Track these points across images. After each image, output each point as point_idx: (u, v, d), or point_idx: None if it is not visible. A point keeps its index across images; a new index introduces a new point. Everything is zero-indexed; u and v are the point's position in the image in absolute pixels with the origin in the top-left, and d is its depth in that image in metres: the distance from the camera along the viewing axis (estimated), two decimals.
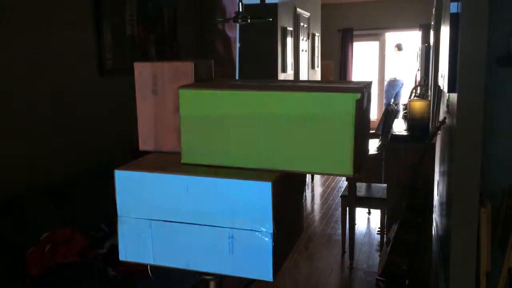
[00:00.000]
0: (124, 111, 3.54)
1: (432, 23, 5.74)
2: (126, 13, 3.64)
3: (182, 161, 1.34)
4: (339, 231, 3.96)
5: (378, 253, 3.48)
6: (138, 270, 2.24)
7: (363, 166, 1.30)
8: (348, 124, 1.16)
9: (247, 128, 1.25)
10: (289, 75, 5.84)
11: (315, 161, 1.21)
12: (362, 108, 1.22)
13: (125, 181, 1.32)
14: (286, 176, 1.27)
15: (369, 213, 4.41)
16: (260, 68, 5.21)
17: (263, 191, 1.19)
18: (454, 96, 2.39)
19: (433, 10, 5.67)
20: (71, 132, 3.05)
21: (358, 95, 1.15)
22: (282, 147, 1.23)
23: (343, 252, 3.54)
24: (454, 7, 2.36)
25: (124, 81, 3.55)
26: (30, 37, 2.73)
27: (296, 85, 1.38)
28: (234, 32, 5.12)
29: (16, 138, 2.66)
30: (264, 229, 1.19)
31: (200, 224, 1.26)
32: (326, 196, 5.15)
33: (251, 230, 1.21)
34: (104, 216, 2.80)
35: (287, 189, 1.32)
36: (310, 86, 1.29)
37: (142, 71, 1.47)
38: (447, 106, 2.77)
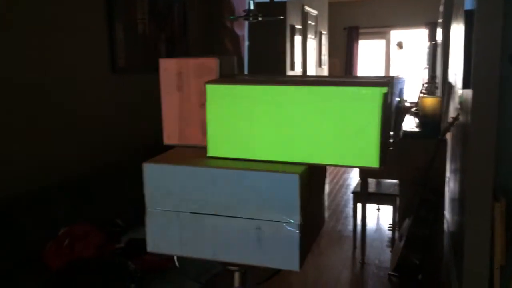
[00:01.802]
0: (137, 109, 3.58)
1: (440, 20, 5.75)
2: (137, 11, 3.67)
3: (208, 154, 1.36)
4: (349, 227, 3.98)
5: (389, 249, 3.51)
6: (157, 264, 2.27)
7: (387, 159, 1.33)
8: (374, 118, 1.19)
9: (273, 122, 1.28)
10: (297, 72, 5.87)
11: (341, 154, 1.24)
12: (387, 102, 1.24)
13: (153, 174, 1.35)
14: (311, 169, 1.29)
15: (378, 209, 4.43)
16: (269, 65, 5.24)
17: (290, 183, 1.21)
18: (468, 92, 2.40)
19: (440, 8, 5.67)
20: (85, 130, 3.08)
21: (385, 89, 1.17)
22: (308, 140, 1.25)
23: (354, 248, 3.56)
24: (468, 4, 2.38)
25: (136, 79, 3.59)
26: (44, 36, 2.76)
27: (319, 79, 1.40)
28: (243, 30, 5.15)
29: (32, 135, 2.70)
30: (292, 221, 1.22)
31: (227, 216, 1.29)
32: (334, 194, 5.17)
33: (279, 221, 1.23)
34: (119, 211, 2.84)
35: (312, 181, 1.34)
36: (335, 81, 1.32)
37: (167, 67, 1.49)
38: (460, 102, 2.79)
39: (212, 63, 1.44)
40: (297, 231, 1.22)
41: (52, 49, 2.82)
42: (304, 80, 1.43)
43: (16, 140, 2.60)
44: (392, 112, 1.40)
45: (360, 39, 9.75)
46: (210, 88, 1.34)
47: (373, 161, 1.21)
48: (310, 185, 1.32)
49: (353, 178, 5.78)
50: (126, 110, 3.46)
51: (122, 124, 3.43)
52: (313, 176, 1.34)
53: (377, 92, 1.18)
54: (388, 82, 1.23)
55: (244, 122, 1.31)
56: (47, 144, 2.79)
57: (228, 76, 1.51)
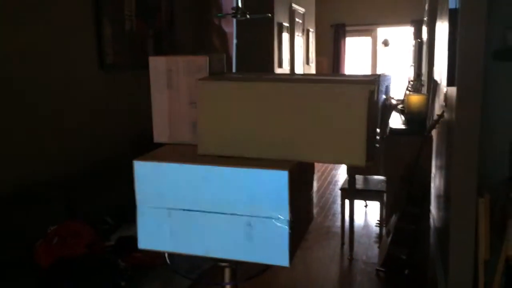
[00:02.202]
0: (126, 106, 3.57)
1: (425, 18, 5.82)
2: (125, 8, 3.66)
3: (198, 152, 1.38)
4: (337, 223, 4.02)
5: (377, 245, 3.55)
6: (146, 261, 2.28)
7: (373, 156, 1.35)
8: (361, 116, 1.21)
9: (264, 120, 1.30)
10: (285, 70, 5.89)
11: (329, 151, 1.26)
12: (374, 100, 1.27)
13: (144, 171, 1.35)
14: (300, 166, 1.32)
15: (366, 206, 4.48)
16: (257, 63, 5.25)
17: (280, 179, 1.23)
18: (452, 89, 2.45)
19: (426, 6, 5.74)
20: (74, 127, 3.07)
21: (372, 87, 1.20)
22: (297, 138, 1.28)
23: (342, 243, 3.60)
24: (452, 3, 2.42)
25: (124, 76, 3.58)
26: (31, 32, 2.74)
27: (309, 78, 1.43)
28: (231, 28, 5.15)
29: (20, 133, 2.68)
30: (281, 217, 1.24)
31: (218, 213, 1.30)
32: (323, 190, 5.22)
33: (268, 217, 1.25)
34: (109, 209, 2.83)
35: (301, 178, 1.37)
36: (324, 79, 1.34)
37: (157, 65, 1.50)
38: (445, 100, 2.84)
39: (202, 61, 1.45)
40: (287, 227, 1.24)
41: (39, 46, 2.80)
42: (293, 78, 1.46)
43: (3, 138, 2.58)
44: (378, 110, 1.43)
45: (347, 37, 9.80)
46: (202, 86, 1.35)
47: (359, 159, 1.23)
48: (299, 181, 1.34)
49: (341, 174, 5.83)
50: (114, 107, 3.45)
51: (111, 121, 3.42)
52: (301, 173, 1.36)
53: (364, 91, 1.20)
54: (375, 81, 1.26)
55: (234, 119, 1.33)
56: (35, 142, 2.77)
57: (218, 74, 1.53)
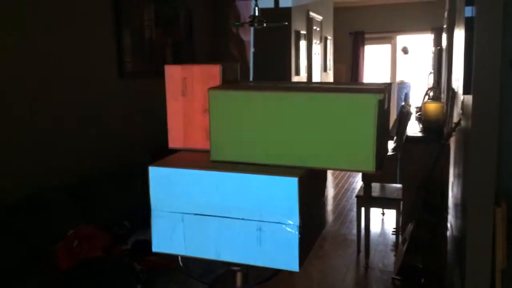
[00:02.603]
0: (144, 113, 3.64)
1: (445, 26, 5.77)
2: (144, 17, 3.74)
3: (211, 159, 1.41)
4: (353, 231, 4.01)
5: (393, 253, 3.53)
6: (161, 264, 2.32)
7: (383, 164, 1.37)
8: (370, 123, 1.23)
9: (274, 127, 1.32)
10: (302, 78, 5.91)
11: (339, 158, 1.28)
12: (383, 108, 1.28)
13: (159, 176, 1.39)
14: (311, 173, 1.34)
15: (383, 214, 4.46)
16: (274, 71, 5.29)
17: (290, 186, 1.26)
18: (469, 98, 2.44)
19: (445, 14, 5.70)
20: (93, 133, 3.14)
21: (381, 96, 1.22)
22: (307, 145, 1.30)
23: (358, 251, 3.59)
24: (469, 11, 2.41)
25: (142, 83, 3.66)
26: (54, 42, 2.83)
27: (319, 86, 1.45)
28: (248, 36, 5.21)
29: (41, 138, 2.76)
30: (291, 222, 1.26)
31: (230, 217, 1.33)
32: (339, 198, 5.20)
33: (279, 223, 1.28)
34: (126, 213, 2.89)
35: (312, 185, 1.39)
36: (333, 88, 1.36)
37: (173, 73, 1.55)
38: (462, 108, 2.82)
39: (215, 70, 1.49)
40: (296, 233, 1.26)
41: (62, 55, 2.89)
42: (304, 86, 1.48)
43: (24, 142, 2.66)
44: (388, 117, 1.44)
45: (366, 44, 9.78)
46: (213, 94, 1.39)
47: (369, 165, 1.25)
48: (310, 188, 1.36)
49: (358, 182, 5.80)
50: (133, 114, 3.53)
51: (129, 128, 3.49)
52: (312, 180, 1.38)
53: (373, 99, 1.22)
54: (384, 89, 1.27)
55: (245, 127, 1.36)
56: (56, 147, 2.85)
57: (231, 82, 1.56)
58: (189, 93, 1.54)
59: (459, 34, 2.93)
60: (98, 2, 3.21)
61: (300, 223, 1.26)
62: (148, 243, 2.09)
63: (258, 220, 1.30)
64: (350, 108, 1.23)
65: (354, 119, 1.23)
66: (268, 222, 1.29)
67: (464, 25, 2.52)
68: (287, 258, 1.29)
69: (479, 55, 2.24)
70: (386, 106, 1.35)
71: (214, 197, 1.34)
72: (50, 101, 2.82)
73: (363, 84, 1.60)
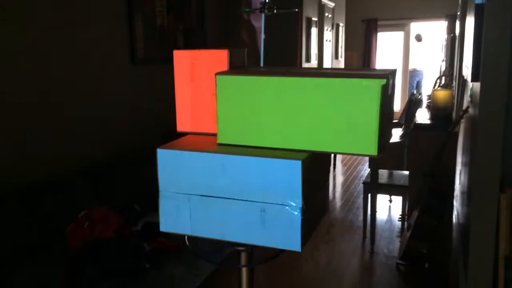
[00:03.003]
0: (154, 98, 3.69)
1: (458, 13, 5.71)
2: (156, 3, 3.77)
3: (218, 141, 1.45)
4: (360, 218, 4.04)
5: (399, 239, 3.56)
6: (170, 245, 2.38)
7: (386, 148, 1.39)
8: (373, 108, 1.25)
9: (279, 111, 1.36)
10: (313, 65, 5.90)
11: (342, 142, 1.31)
12: (387, 94, 1.31)
13: (166, 159, 1.44)
14: (315, 156, 1.37)
15: (390, 201, 4.48)
16: (284, 57, 5.29)
17: (293, 168, 1.29)
18: (477, 85, 2.44)
19: (459, 0, 5.64)
20: (106, 118, 3.20)
21: (384, 81, 1.24)
22: (311, 129, 1.33)
23: (364, 237, 3.63)
24: None
25: (155, 69, 3.70)
26: (64, 27, 2.88)
27: (323, 71, 1.48)
28: (259, 22, 5.20)
29: (58, 123, 2.83)
30: (294, 204, 1.30)
31: (234, 199, 1.37)
32: (347, 185, 5.23)
33: (282, 204, 1.32)
34: (137, 197, 2.96)
35: (315, 168, 1.42)
36: (337, 73, 1.39)
37: (181, 58, 1.58)
38: (470, 95, 2.82)
39: (222, 55, 1.52)
40: (299, 214, 1.30)
41: (77, 43, 2.93)
42: (309, 72, 1.51)
43: (42, 126, 2.73)
44: (392, 102, 1.46)
45: (379, 31, 9.69)
46: (220, 79, 1.42)
47: (371, 149, 1.28)
48: (313, 171, 1.40)
49: (367, 169, 5.82)
50: (144, 99, 3.58)
51: (141, 113, 3.54)
52: (316, 164, 1.41)
53: (377, 84, 1.24)
54: (388, 74, 1.29)
55: (251, 111, 1.39)
56: (71, 131, 2.92)
57: (239, 67, 1.59)
58: (197, 77, 1.57)
59: (470, 21, 2.91)
60: None
61: (302, 205, 1.30)
62: (158, 225, 2.15)
63: (262, 202, 1.34)
64: (354, 92, 1.26)
65: (357, 103, 1.26)
66: (272, 203, 1.33)
67: (474, 11, 2.51)
68: (289, 239, 1.33)
69: (487, 42, 2.23)
70: (390, 91, 1.37)
71: (219, 179, 1.38)
72: (64, 88, 2.87)
73: (369, 69, 1.62)
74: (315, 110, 1.31)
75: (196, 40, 4.35)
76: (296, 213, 1.30)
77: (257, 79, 1.37)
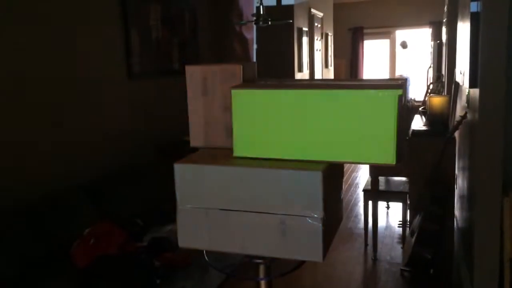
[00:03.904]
0: (150, 111, 3.68)
1: (445, 20, 5.82)
2: (150, 17, 3.77)
3: (234, 155, 1.46)
4: (360, 225, 4.06)
5: (400, 245, 3.59)
6: (177, 261, 2.37)
7: (403, 157, 1.41)
8: (391, 118, 1.28)
9: (296, 123, 1.37)
10: (304, 74, 5.96)
11: (359, 152, 1.33)
12: (402, 103, 1.33)
13: (184, 173, 1.44)
14: (331, 167, 1.38)
15: (387, 207, 4.51)
16: (277, 67, 5.33)
17: (313, 179, 1.30)
18: (475, 91, 2.49)
19: (445, 8, 5.75)
20: (105, 133, 3.18)
21: (400, 91, 1.27)
22: (329, 140, 1.34)
23: (366, 245, 3.64)
24: (474, 7, 2.46)
25: (150, 83, 3.69)
26: (62, 42, 2.87)
27: (338, 83, 1.49)
28: (251, 33, 5.25)
29: (57, 138, 2.81)
30: (315, 215, 1.31)
31: (254, 211, 1.38)
32: (344, 192, 5.26)
33: (302, 216, 1.33)
34: (139, 211, 2.93)
35: (332, 179, 1.44)
36: (353, 84, 1.41)
37: (193, 73, 1.59)
38: (467, 101, 2.87)
39: (236, 69, 1.54)
40: (320, 224, 1.31)
41: (73, 55, 2.92)
42: (322, 83, 1.52)
43: (38, 143, 2.70)
44: (405, 111, 1.49)
45: (365, 39, 9.82)
46: (235, 93, 1.43)
47: (390, 158, 1.30)
48: (331, 182, 1.41)
49: (361, 176, 5.86)
50: (141, 113, 3.57)
51: (137, 127, 3.53)
52: (332, 174, 1.43)
53: (393, 94, 1.27)
54: (402, 85, 1.32)
55: (268, 124, 1.40)
56: (71, 147, 2.90)
57: (250, 81, 1.60)
58: (209, 92, 1.58)
59: (464, 28, 2.97)
60: (107, 3, 3.25)
61: (323, 216, 1.31)
62: (165, 240, 2.14)
63: (282, 214, 1.34)
64: (371, 103, 1.28)
65: (374, 114, 1.28)
66: (292, 215, 1.33)
67: (469, 19, 2.57)
68: (311, 250, 1.33)
69: (485, 49, 2.29)
70: (403, 101, 1.40)
71: (238, 192, 1.38)
72: (63, 103, 2.86)
73: (377, 80, 1.65)
74: (332, 121, 1.33)
75: (190, 53, 4.36)
76: (317, 224, 1.31)
77: (273, 93, 1.38)
